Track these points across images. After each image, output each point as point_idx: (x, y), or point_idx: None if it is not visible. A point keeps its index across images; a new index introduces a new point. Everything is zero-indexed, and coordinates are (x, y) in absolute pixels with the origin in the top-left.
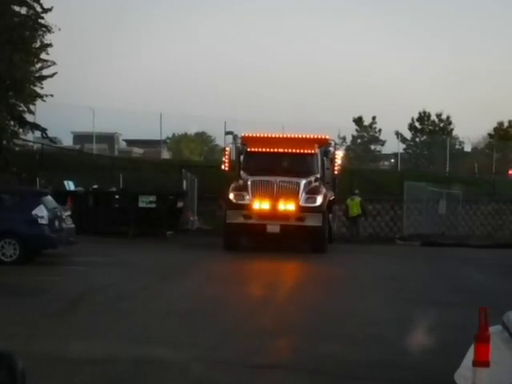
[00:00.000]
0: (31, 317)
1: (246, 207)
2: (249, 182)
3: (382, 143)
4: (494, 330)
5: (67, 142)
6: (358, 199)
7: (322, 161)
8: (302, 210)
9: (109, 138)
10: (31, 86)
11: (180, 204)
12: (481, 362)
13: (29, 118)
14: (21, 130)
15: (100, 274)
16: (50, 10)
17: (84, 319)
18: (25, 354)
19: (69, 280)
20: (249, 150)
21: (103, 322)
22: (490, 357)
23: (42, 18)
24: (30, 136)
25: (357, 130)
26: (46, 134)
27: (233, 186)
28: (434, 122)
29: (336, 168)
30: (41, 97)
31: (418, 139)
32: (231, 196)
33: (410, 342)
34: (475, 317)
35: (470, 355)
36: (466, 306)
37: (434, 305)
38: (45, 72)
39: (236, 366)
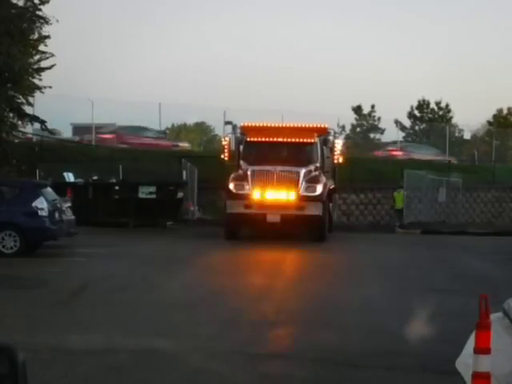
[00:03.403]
0: (32, 308)
1: (246, 197)
2: (248, 172)
3: (382, 131)
4: (494, 317)
5: (66, 133)
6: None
7: (322, 150)
8: (302, 199)
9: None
10: (30, 78)
11: (180, 194)
12: (482, 349)
13: (28, 110)
14: (20, 122)
15: (100, 265)
16: (47, 1)
17: (85, 310)
18: (26, 346)
19: (69, 271)
20: (248, 139)
21: (104, 313)
22: (491, 344)
23: (40, 9)
24: (29, 128)
25: (356, 119)
26: (46, 125)
27: (233, 175)
28: (433, 109)
29: (336, 157)
30: (39, 89)
31: (417, 127)
32: (231, 186)
33: (411, 330)
34: (476, 304)
35: (471, 343)
36: (466, 293)
37: (434, 292)
38: (43, 64)
39: (237, 356)
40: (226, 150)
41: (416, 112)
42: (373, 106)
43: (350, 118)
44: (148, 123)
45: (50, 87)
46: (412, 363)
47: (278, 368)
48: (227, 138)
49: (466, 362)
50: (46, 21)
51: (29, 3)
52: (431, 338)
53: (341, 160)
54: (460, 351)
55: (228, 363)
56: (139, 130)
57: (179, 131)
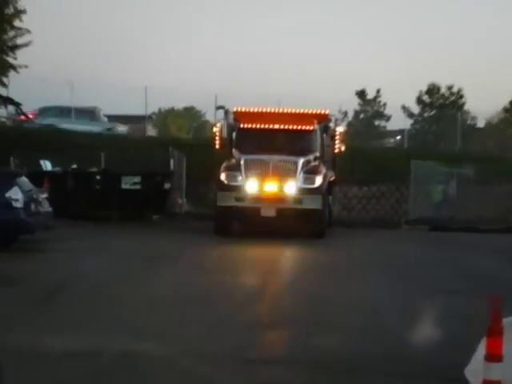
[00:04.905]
0: (8, 307)
1: (239, 189)
2: (241, 162)
3: (387, 119)
4: (506, 321)
5: None
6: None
7: (322, 138)
8: (299, 191)
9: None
10: (4, 56)
11: (167, 185)
12: (493, 356)
13: (1, 91)
14: None
15: (81, 260)
16: None
17: (65, 310)
18: (2, 349)
19: (47, 267)
20: (241, 126)
21: (85, 312)
22: (503, 351)
23: None
24: (2, 111)
25: (359, 105)
26: (21, 109)
27: (224, 165)
28: (443, 95)
29: (337, 146)
30: (14, 68)
31: (426, 114)
32: (222, 176)
33: (415, 333)
34: (485, 306)
35: (481, 349)
36: (475, 294)
37: (441, 293)
38: (19, 41)
39: (227, 361)
40: (217, 138)
41: (425, 97)
42: (378, 91)
43: (353, 104)
44: (133, 107)
45: (26, 66)
46: (416, 368)
47: (271, 373)
48: (218, 125)
49: (476, 369)
50: None
51: None
52: (437, 342)
53: (342, 149)
54: (468, 356)
55: (219, 368)
56: None
57: (166, 116)
